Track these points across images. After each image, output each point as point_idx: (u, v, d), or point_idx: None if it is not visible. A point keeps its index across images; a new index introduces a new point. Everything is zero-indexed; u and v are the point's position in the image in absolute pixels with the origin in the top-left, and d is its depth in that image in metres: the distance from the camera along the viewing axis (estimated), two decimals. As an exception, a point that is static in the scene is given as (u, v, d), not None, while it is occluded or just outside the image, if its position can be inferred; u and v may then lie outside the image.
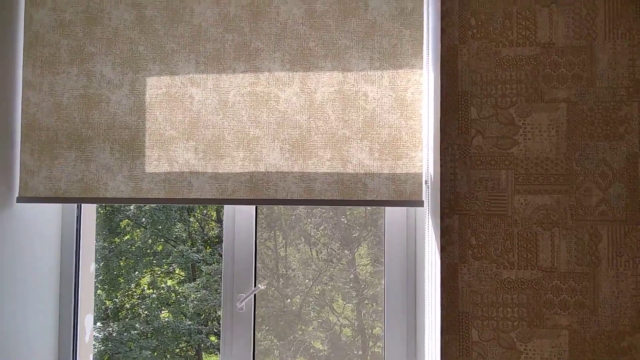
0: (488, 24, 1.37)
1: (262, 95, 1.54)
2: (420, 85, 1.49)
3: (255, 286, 1.68)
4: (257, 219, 1.73)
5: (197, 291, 4.94)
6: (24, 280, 1.64)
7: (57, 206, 1.75)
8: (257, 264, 1.73)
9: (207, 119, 1.55)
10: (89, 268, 1.86)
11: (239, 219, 1.70)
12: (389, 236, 1.64)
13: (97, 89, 1.59)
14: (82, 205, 1.78)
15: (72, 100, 1.59)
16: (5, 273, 1.57)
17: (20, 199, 1.60)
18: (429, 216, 1.45)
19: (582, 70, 1.34)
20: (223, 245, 1.70)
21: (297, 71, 1.53)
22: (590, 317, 1.29)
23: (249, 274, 1.68)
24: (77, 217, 1.79)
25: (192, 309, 4.95)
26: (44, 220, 1.72)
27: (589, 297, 1.30)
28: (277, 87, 1.54)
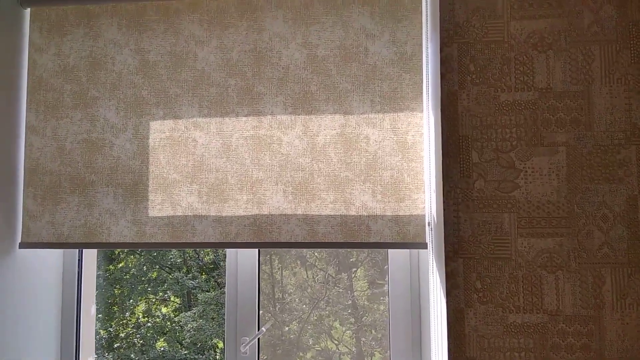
0: (487, 70, 1.40)
1: (264, 139, 1.56)
2: (421, 128, 1.51)
3: (259, 329, 1.67)
4: (259, 259, 1.73)
5: (193, 320, 4.89)
6: (27, 323, 1.62)
7: (58, 250, 1.74)
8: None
9: (210, 163, 1.56)
10: (89, 310, 1.84)
11: (242, 261, 1.69)
12: (392, 276, 1.64)
13: (100, 133, 1.60)
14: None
15: (75, 144, 1.60)
16: (8, 317, 1.55)
17: (23, 245, 1.59)
18: (433, 258, 1.45)
19: (580, 115, 1.37)
20: (226, 288, 1.70)
21: (299, 114, 1.55)
22: (597, 360, 1.30)
23: (252, 317, 1.67)
24: (79, 260, 1.78)
25: (189, 338, 4.89)
26: (46, 264, 1.71)
27: (595, 341, 1.30)
28: (280, 130, 1.55)
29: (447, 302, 1.35)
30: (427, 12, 1.50)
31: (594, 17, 1.38)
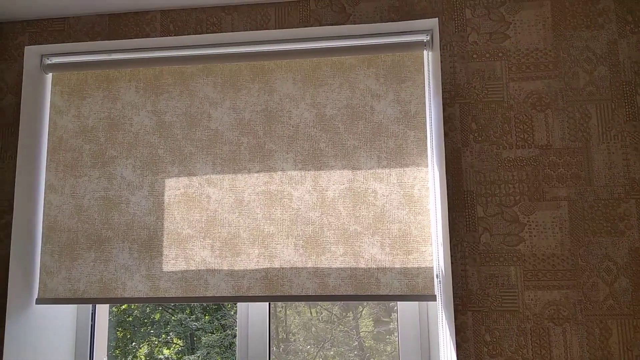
0: (488, 128, 1.47)
1: (276, 194, 1.61)
2: (427, 182, 1.57)
3: (271, 381, 1.68)
4: (270, 310, 1.76)
5: (197, 364, 4.83)
6: (39, 381, 1.64)
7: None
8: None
9: (223, 218, 1.61)
10: (101, 362, 1.86)
11: (253, 313, 1.72)
12: (402, 328, 1.67)
13: (117, 191, 1.66)
14: (98, 300, 1.80)
15: (92, 202, 1.66)
16: (21, 376, 1.57)
17: (40, 301, 1.63)
18: (442, 311, 1.49)
19: (579, 170, 1.43)
20: (237, 340, 1.72)
21: (309, 170, 1.61)
22: (608, 413, 1.31)
23: (264, 369, 1.69)
24: (92, 313, 1.81)
25: (194, 384, 4.82)
26: (61, 317, 1.74)
27: (605, 393, 1.32)
28: (290, 185, 1.61)
29: (457, 356, 1.37)
30: (429, 73, 1.58)
31: (589, 78, 1.46)
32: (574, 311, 1.37)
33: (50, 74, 1.73)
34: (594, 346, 1.35)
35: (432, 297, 1.52)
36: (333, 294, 1.55)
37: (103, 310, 1.87)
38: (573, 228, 1.40)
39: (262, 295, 1.57)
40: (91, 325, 1.82)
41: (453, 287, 1.41)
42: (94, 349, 1.82)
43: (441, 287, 1.50)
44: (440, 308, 1.50)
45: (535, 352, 1.36)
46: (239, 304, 1.75)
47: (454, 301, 1.40)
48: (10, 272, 1.57)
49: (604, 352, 1.34)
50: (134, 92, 1.69)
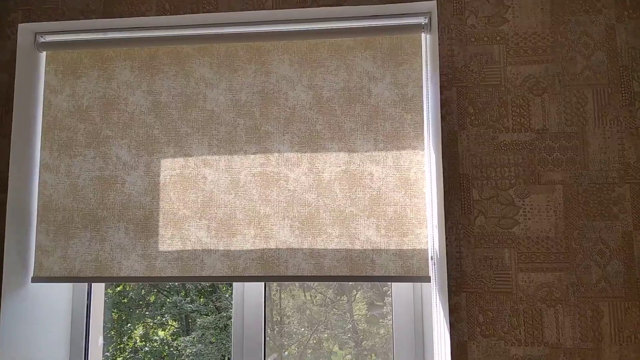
0: (485, 112, 1.47)
1: (272, 175, 1.61)
2: (423, 166, 1.58)
3: (265, 359, 1.70)
4: (265, 290, 1.77)
5: (192, 345, 4.87)
6: (37, 354, 1.65)
7: (69, 283, 1.77)
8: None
9: (219, 198, 1.61)
10: (97, 341, 1.87)
11: (249, 292, 1.73)
12: (396, 309, 1.69)
13: (112, 171, 1.65)
14: (93, 280, 1.81)
15: (88, 181, 1.65)
16: (19, 348, 1.58)
17: (35, 279, 1.63)
18: (437, 292, 1.50)
19: (575, 154, 1.43)
20: (232, 320, 1.73)
21: (305, 152, 1.61)
22: (597, 393, 1.34)
23: (258, 350, 1.71)
24: (88, 292, 1.82)
25: (187, 363, 4.86)
26: (56, 296, 1.74)
27: (594, 373, 1.35)
28: (287, 167, 1.61)
29: (450, 336, 1.39)
30: (426, 56, 1.58)
31: (586, 63, 1.46)
32: (566, 293, 1.39)
33: (45, 53, 1.71)
34: (585, 327, 1.37)
35: (427, 279, 1.53)
36: (328, 274, 1.56)
37: (99, 289, 1.88)
38: (567, 211, 1.42)
39: (258, 275, 1.58)
40: (87, 304, 1.82)
41: (447, 268, 1.42)
42: (89, 329, 1.83)
43: (436, 269, 1.51)
44: (434, 289, 1.51)
45: (527, 332, 1.38)
46: (234, 286, 1.76)
47: (448, 282, 1.41)
48: (5, 251, 1.56)
49: (595, 333, 1.36)
50: (129, 72, 1.67)
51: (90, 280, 1.63)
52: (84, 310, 1.81)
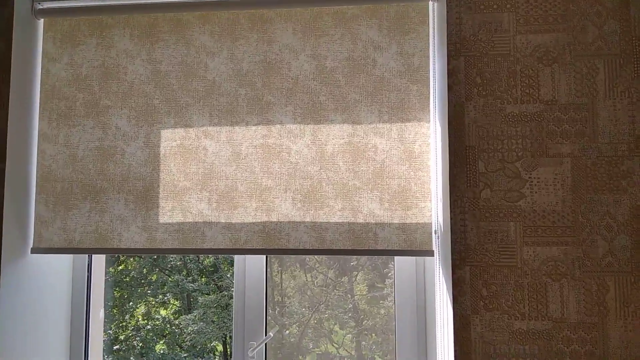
0: (493, 82, 1.43)
1: (274, 147, 1.58)
2: (428, 138, 1.54)
3: (266, 334, 1.70)
4: (267, 265, 1.76)
5: (193, 323, 4.90)
6: (37, 326, 1.64)
7: (69, 255, 1.76)
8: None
9: (220, 170, 1.59)
10: (98, 314, 1.87)
11: (250, 267, 1.72)
12: (398, 283, 1.67)
13: (112, 141, 1.62)
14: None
15: (87, 152, 1.63)
16: (19, 320, 1.58)
17: (35, 250, 1.62)
18: (440, 266, 1.48)
19: (584, 127, 1.40)
20: (234, 292, 1.72)
21: (308, 124, 1.58)
22: (600, 367, 1.33)
23: (260, 322, 1.70)
24: (88, 264, 1.81)
25: (189, 341, 4.90)
26: (56, 268, 1.73)
27: (599, 347, 1.33)
28: (289, 139, 1.58)
29: (453, 309, 1.38)
30: (434, 25, 1.53)
31: (598, 32, 1.41)
32: (572, 267, 1.37)
33: (42, 20, 1.67)
34: (590, 302, 1.35)
35: (430, 253, 1.51)
36: (330, 248, 1.55)
37: (99, 262, 1.87)
38: (575, 185, 1.39)
39: (260, 248, 1.56)
40: (87, 277, 1.81)
41: (452, 242, 1.40)
42: (90, 302, 1.82)
43: (439, 243, 1.49)
44: (437, 263, 1.49)
45: (531, 307, 1.36)
46: (235, 263, 1.74)
47: (452, 256, 1.40)
48: (4, 221, 1.55)
49: (600, 307, 1.35)
50: (128, 40, 1.63)
51: (90, 251, 1.61)
52: (84, 283, 1.80)
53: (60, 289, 1.76)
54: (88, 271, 1.81)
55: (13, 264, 1.57)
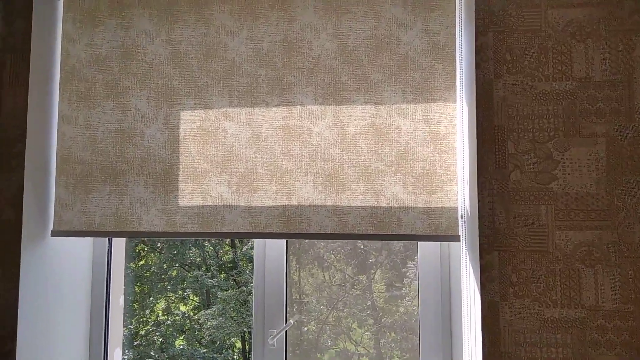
0: (523, 59, 1.37)
1: (294, 129, 1.55)
2: (454, 119, 1.49)
3: (286, 322, 1.66)
4: (287, 250, 1.72)
5: (213, 318, 4.90)
6: (57, 310, 1.63)
7: (89, 238, 1.75)
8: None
9: (240, 153, 1.56)
10: (118, 300, 1.85)
11: (270, 252, 1.69)
12: (423, 270, 1.62)
13: (131, 123, 1.60)
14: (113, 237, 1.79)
15: (107, 134, 1.61)
16: (39, 304, 1.57)
17: (55, 233, 1.61)
18: (466, 251, 1.43)
19: (620, 105, 1.33)
20: (254, 279, 1.69)
21: (329, 105, 1.53)
22: (638, 358, 1.25)
23: (280, 308, 1.66)
24: (108, 249, 1.79)
25: (208, 336, 4.90)
26: (76, 252, 1.72)
27: (636, 337, 1.26)
28: (310, 120, 1.54)
29: (481, 296, 1.32)
30: (461, 0, 1.48)
31: (635, 6, 1.34)
32: (607, 253, 1.30)
33: (62, 0, 1.66)
34: (627, 289, 1.28)
35: (456, 238, 1.46)
36: (352, 232, 1.50)
37: (119, 248, 1.85)
38: (610, 166, 1.32)
39: (280, 232, 1.52)
40: (107, 263, 1.80)
41: (479, 226, 1.34)
42: (110, 288, 1.81)
43: (466, 227, 1.43)
44: (463, 248, 1.44)
45: (564, 294, 1.30)
46: (256, 242, 1.71)
47: (479, 240, 1.34)
48: (24, 203, 1.54)
49: (637, 295, 1.28)
50: (147, 20, 1.61)
51: (110, 234, 1.60)
52: (104, 267, 1.79)
53: (81, 274, 1.75)
54: (108, 256, 1.80)
55: (33, 246, 1.57)
